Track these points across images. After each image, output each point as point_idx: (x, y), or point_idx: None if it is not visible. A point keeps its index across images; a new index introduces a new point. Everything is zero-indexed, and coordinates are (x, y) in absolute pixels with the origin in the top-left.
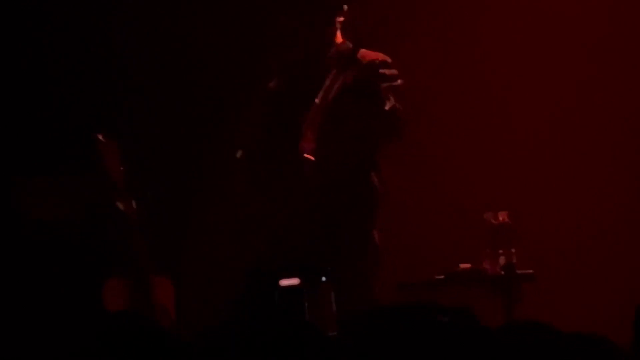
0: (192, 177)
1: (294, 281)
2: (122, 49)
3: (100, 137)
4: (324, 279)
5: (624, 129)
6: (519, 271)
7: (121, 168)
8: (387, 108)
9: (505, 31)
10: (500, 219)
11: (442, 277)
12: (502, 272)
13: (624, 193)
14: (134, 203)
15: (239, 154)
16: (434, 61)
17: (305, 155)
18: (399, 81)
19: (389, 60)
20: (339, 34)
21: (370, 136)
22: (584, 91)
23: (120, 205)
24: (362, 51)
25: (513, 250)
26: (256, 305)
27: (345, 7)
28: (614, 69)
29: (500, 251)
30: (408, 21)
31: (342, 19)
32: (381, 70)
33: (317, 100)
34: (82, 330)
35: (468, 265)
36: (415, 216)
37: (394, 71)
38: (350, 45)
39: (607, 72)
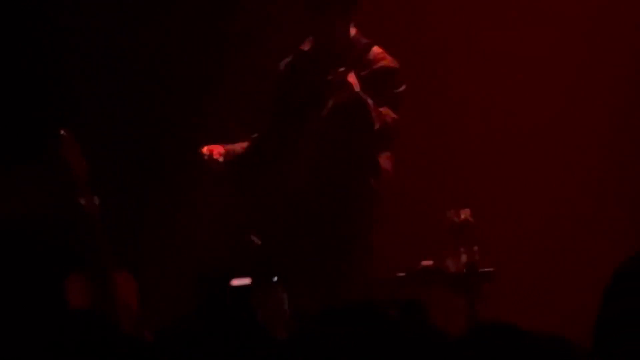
0: (154, 173)
1: (245, 281)
2: (85, 43)
3: (62, 132)
4: (275, 279)
5: (585, 122)
6: (480, 269)
7: (83, 164)
8: (376, 127)
9: (468, 25)
10: (463, 216)
11: (404, 274)
12: (464, 270)
13: (586, 191)
14: (96, 199)
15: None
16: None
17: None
18: (403, 87)
19: (398, 66)
20: (353, 28)
21: (360, 146)
22: (542, 84)
23: (82, 201)
24: (375, 51)
25: (475, 248)
26: (207, 304)
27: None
28: (579, 67)
29: (462, 249)
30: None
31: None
32: (390, 79)
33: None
34: (44, 328)
35: (430, 263)
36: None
37: (400, 79)
38: (366, 41)
39: (570, 70)
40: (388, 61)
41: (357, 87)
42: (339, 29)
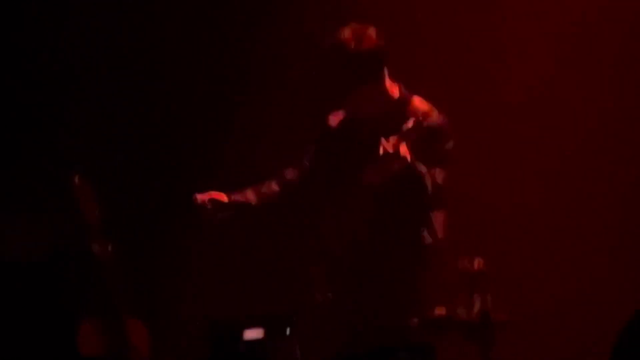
0: (166, 220)
1: (258, 333)
2: (101, 89)
3: (76, 178)
4: (288, 331)
5: (596, 179)
6: (493, 318)
7: (96, 209)
8: (429, 191)
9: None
10: (476, 265)
11: (417, 322)
12: (477, 319)
13: (595, 241)
14: (109, 245)
15: None
16: None
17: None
18: (451, 142)
19: (446, 122)
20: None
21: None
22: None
23: (95, 248)
24: (419, 105)
25: (488, 297)
26: (220, 357)
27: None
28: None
29: (475, 297)
30: None
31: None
32: (438, 137)
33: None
34: None
35: (443, 311)
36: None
37: (447, 133)
38: (407, 93)
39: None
40: (435, 117)
41: (409, 158)
42: (367, 95)
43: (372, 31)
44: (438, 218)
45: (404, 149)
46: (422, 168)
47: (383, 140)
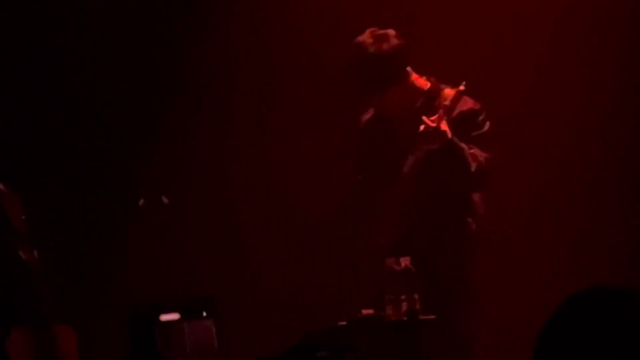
0: (92, 226)
1: (174, 316)
2: (25, 95)
3: (1, 186)
4: (204, 313)
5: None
6: (421, 317)
7: (22, 217)
8: (473, 170)
9: None
10: (403, 264)
11: (345, 323)
12: (405, 318)
13: (533, 234)
14: (35, 252)
15: (141, 202)
16: None
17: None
18: (487, 126)
19: (478, 106)
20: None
21: (459, 189)
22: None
23: (22, 255)
24: (450, 93)
25: (416, 296)
26: (137, 340)
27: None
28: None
29: (403, 297)
30: None
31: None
32: (475, 120)
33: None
34: None
35: (371, 311)
36: (318, 261)
37: (483, 117)
38: (441, 85)
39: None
40: (469, 103)
41: (449, 134)
42: (393, 94)
43: (391, 32)
44: (480, 203)
45: (444, 125)
46: (463, 145)
47: (424, 117)
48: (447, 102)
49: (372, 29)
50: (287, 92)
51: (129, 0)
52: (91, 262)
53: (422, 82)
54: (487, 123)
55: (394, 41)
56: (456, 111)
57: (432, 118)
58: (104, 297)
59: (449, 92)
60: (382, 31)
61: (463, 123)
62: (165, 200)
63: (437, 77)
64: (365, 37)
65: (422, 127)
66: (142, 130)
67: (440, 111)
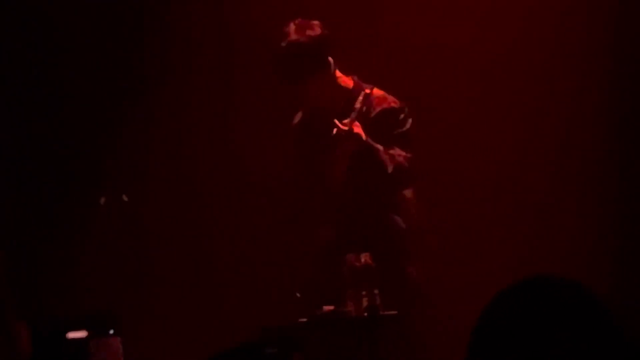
0: (55, 224)
1: (81, 333)
2: None
3: None
4: (111, 331)
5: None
6: (382, 312)
7: None
8: (390, 171)
9: None
10: (363, 260)
11: (306, 319)
12: (366, 314)
13: (488, 224)
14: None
15: (102, 200)
16: None
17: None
18: (409, 124)
19: (398, 104)
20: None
21: (379, 189)
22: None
23: None
24: (376, 93)
25: (376, 291)
26: (44, 357)
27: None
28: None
29: (364, 292)
30: None
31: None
32: (394, 119)
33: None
34: None
35: (331, 307)
36: (279, 258)
37: (404, 115)
38: (365, 85)
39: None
40: (389, 101)
41: (364, 136)
42: (317, 85)
43: (315, 23)
44: (408, 200)
45: (357, 128)
46: (379, 146)
47: (336, 121)
48: (357, 105)
49: (297, 19)
50: (247, 87)
51: None
52: (51, 260)
53: (346, 81)
54: (409, 121)
55: (317, 30)
56: (376, 110)
57: (345, 121)
58: (62, 298)
59: (373, 91)
60: (306, 21)
61: (384, 121)
62: (125, 198)
63: (363, 76)
64: (290, 26)
65: (335, 130)
66: (103, 126)
67: (353, 114)
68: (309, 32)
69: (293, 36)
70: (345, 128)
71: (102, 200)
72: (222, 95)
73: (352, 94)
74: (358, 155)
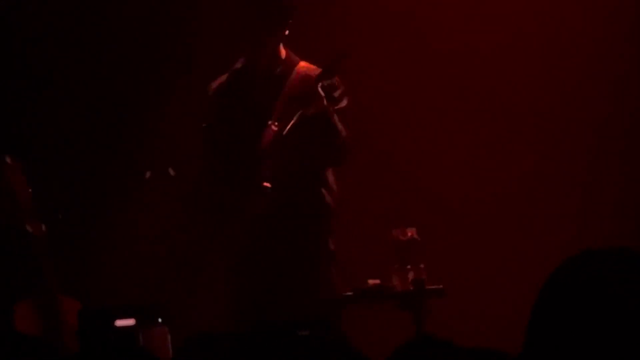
0: (99, 199)
1: (130, 321)
2: (31, 74)
3: (7, 158)
4: (160, 320)
5: (530, 140)
6: (428, 287)
7: (29, 190)
8: (341, 140)
9: None
10: (409, 234)
11: (351, 293)
12: (411, 288)
13: (531, 207)
14: (42, 226)
15: (147, 174)
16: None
17: (265, 183)
18: (345, 102)
19: (337, 80)
20: (282, 48)
21: (318, 161)
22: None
23: (29, 228)
24: (310, 67)
25: (422, 265)
26: (91, 344)
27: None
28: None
29: (409, 267)
30: None
31: (286, 32)
32: (333, 93)
33: (274, 128)
34: None
35: (377, 281)
36: None
37: (341, 91)
38: (297, 58)
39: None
40: (334, 79)
41: (325, 100)
42: (270, 47)
43: None
44: (332, 178)
45: (320, 90)
46: (335, 115)
47: (299, 78)
48: (322, 69)
49: None
50: None
51: None
52: (98, 240)
53: (281, 49)
54: (346, 98)
55: None
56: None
57: (310, 84)
58: (111, 277)
59: (303, 64)
60: None
61: (326, 94)
62: (172, 172)
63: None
64: None
65: (300, 90)
66: (145, 102)
67: (315, 76)
68: None
69: None
70: (314, 90)
71: (148, 174)
72: None
73: (287, 62)
74: (315, 119)
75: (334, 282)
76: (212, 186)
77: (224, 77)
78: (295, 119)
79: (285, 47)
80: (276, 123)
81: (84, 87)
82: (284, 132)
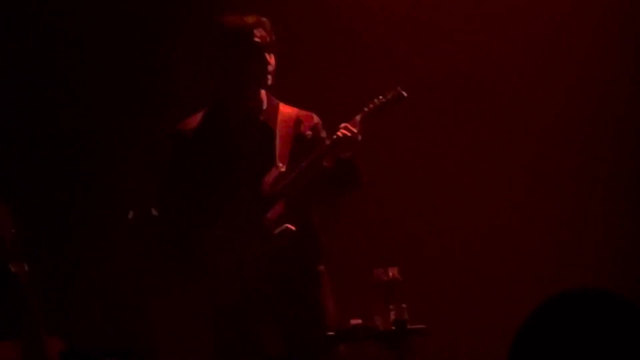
0: (81, 239)
1: None
2: (15, 111)
3: None
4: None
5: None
6: (410, 326)
7: (12, 230)
8: (362, 183)
9: None
10: (391, 274)
11: (333, 333)
12: (394, 328)
13: (515, 245)
14: (25, 265)
15: (130, 215)
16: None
17: (289, 226)
18: (359, 137)
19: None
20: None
21: (331, 199)
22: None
23: (12, 268)
24: (293, 109)
25: (404, 305)
26: None
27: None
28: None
29: (391, 306)
30: None
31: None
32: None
33: (281, 169)
34: None
35: (359, 321)
36: None
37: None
38: (275, 100)
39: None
40: (315, 118)
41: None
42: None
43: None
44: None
45: (324, 133)
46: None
47: (345, 124)
48: (366, 109)
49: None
50: None
51: None
52: (82, 277)
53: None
54: (359, 136)
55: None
56: (311, 125)
57: (349, 125)
58: (93, 314)
59: (283, 106)
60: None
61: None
62: (155, 212)
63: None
64: (250, 20)
65: (339, 134)
66: (124, 142)
67: (358, 117)
68: (271, 34)
69: (257, 33)
70: (355, 130)
71: (131, 214)
72: None
73: (269, 105)
74: (339, 162)
75: (333, 319)
76: (180, 228)
77: (196, 118)
78: (310, 161)
79: (265, 91)
80: (281, 165)
81: (66, 131)
82: (295, 175)
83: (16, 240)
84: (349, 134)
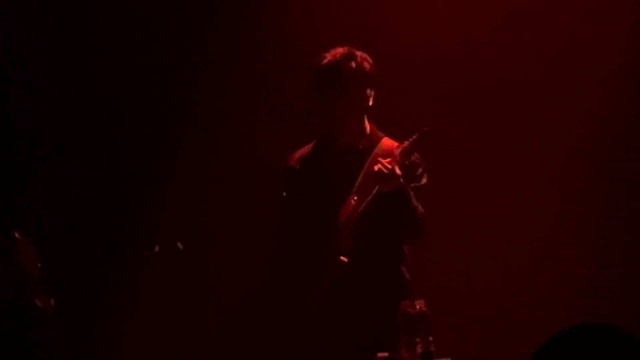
0: (107, 274)
1: None
2: (36, 146)
3: (16, 234)
4: None
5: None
6: (437, 359)
7: (38, 265)
8: (418, 214)
9: None
10: (418, 307)
11: None
12: None
13: (537, 276)
14: (52, 300)
15: (156, 248)
16: None
17: (342, 257)
18: (425, 179)
19: (419, 159)
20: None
21: (397, 235)
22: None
23: (38, 302)
24: (391, 143)
25: (430, 338)
26: None
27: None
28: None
29: (418, 339)
30: None
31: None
32: (417, 173)
33: (353, 202)
34: None
35: (385, 354)
36: None
37: (422, 170)
38: (381, 134)
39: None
40: (416, 156)
41: (402, 179)
42: (351, 122)
43: (366, 55)
44: (409, 254)
45: (398, 169)
46: (411, 192)
47: (380, 159)
48: (405, 146)
49: (346, 47)
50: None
51: None
52: (108, 314)
53: (366, 123)
54: (426, 176)
55: (371, 64)
56: (398, 160)
57: (388, 160)
58: (119, 350)
59: (387, 140)
60: (355, 50)
61: (407, 172)
62: (180, 246)
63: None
64: (352, 53)
65: (376, 168)
66: (154, 176)
67: (398, 153)
68: (367, 65)
69: (367, 64)
70: (390, 167)
71: (157, 248)
72: None
73: (371, 138)
74: (390, 197)
75: None
76: (286, 254)
77: (306, 149)
78: (372, 195)
79: (369, 122)
80: (355, 197)
81: (93, 167)
82: (361, 208)
83: (42, 275)
84: (384, 170)
